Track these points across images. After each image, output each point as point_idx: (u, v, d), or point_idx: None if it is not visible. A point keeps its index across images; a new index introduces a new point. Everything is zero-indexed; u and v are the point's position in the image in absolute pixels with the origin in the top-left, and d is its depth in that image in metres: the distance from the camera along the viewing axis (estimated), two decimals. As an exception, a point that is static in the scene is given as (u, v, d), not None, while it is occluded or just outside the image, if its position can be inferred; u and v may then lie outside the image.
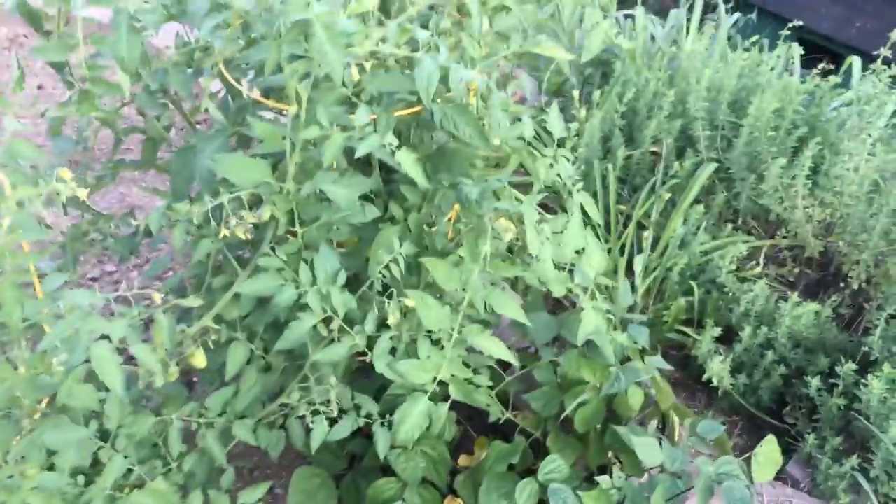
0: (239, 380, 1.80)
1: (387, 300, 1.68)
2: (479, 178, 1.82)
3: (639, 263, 2.73)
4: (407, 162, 1.56)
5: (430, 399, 1.78)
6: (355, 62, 1.57)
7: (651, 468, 1.90)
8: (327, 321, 1.67)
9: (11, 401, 1.22)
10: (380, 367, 1.70)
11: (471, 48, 1.77)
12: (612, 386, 1.95)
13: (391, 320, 1.67)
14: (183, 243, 1.66)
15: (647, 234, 2.83)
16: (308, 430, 1.79)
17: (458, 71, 1.57)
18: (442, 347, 1.74)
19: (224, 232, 1.63)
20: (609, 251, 2.98)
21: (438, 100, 1.69)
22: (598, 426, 2.05)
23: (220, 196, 1.57)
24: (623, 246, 2.91)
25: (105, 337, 1.26)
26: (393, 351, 1.76)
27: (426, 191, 1.82)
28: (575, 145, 3.19)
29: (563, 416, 2.05)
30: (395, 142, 1.57)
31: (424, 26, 1.67)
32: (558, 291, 1.88)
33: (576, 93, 3.24)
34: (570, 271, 1.93)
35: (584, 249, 1.99)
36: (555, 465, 1.88)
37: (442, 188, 1.80)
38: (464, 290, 1.73)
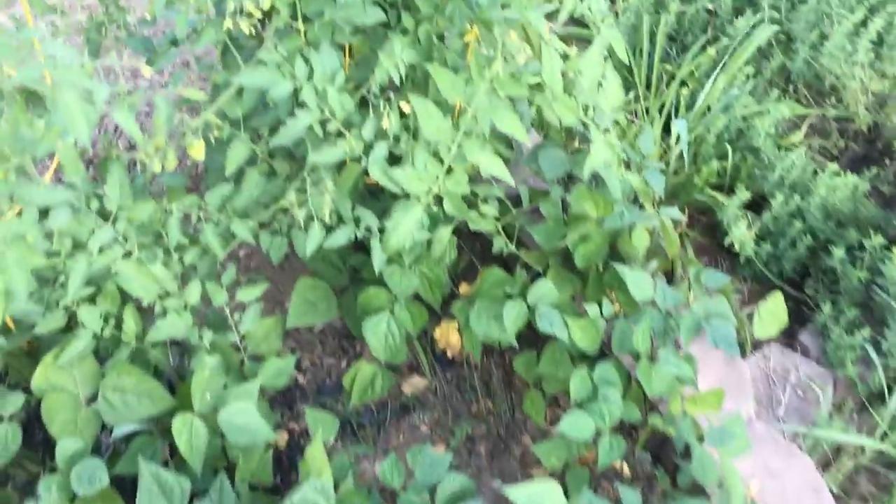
0: (241, 179, 1.82)
1: (386, 104, 1.66)
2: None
3: (682, 130, 2.64)
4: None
5: (431, 219, 1.78)
6: None
7: (644, 305, 1.89)
8: (325, 123, 1.66)
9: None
10: (374, 172, 1.70)
11: None
12: (614, 220, 1.92)
13: (385, 123, 1.65)
14: (187, 30, 1.65)
15: (686, 92, 2.73)
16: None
17: None
18: (442, 161, 1.73)
19: (227, 23, 1.62)
20: (647, 110, 2.90)
21: None
22: (600, 265, 2.04)
23: (221, -18, 1.55)
24: (663, 105, 2.82)
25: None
26: (393, 161, 1.75)
27: (439, 2, 1.77)
28: (626, -5, 3.06)
29: (566, 254, 2.05)
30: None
31: None
32: (568, 119, 1.83)
33: (635, -61, 3.09)
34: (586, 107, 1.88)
35: (600, 84, 1.93)
36: (545, 290, 1.88)
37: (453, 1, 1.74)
38: (468, 105, 1.70)
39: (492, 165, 1.72)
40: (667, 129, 2.73)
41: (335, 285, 2.09)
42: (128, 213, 1.68)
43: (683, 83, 2.87)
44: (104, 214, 1.67)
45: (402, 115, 1.70)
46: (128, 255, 1.70)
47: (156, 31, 2.11)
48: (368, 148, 1.71)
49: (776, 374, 2.42)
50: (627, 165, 2.12)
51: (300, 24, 1.66)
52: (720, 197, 2.68)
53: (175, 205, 1.75)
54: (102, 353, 1.74)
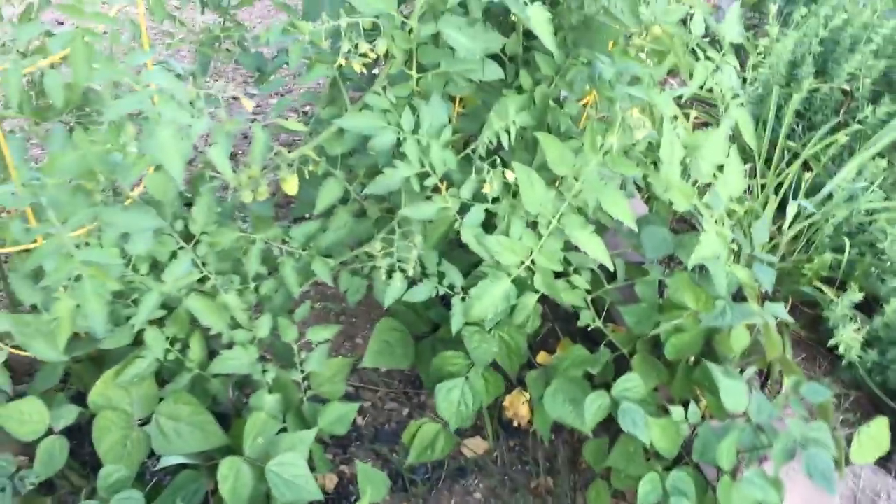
0: (329, 217, 1.76)
1: (489, 167, 1.57)
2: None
3: (793, 208, 2.47)
4: (538, 19, 1.41)
5: (518, 286, 1.68)
6: None
7: (735, 415, 1.74)
8: (423, 176, 1.58)
9: (87, 174, 1.21)
10: (466, 236, 1.61)
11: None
12: (715, 318, 1.78)
13: (486, 188, 1.56)
14: (299, 62, 1.60)
15: (809, 176, 2.56)
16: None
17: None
18: (540, 236, 1.63)
19: (340, 61, 1.55)
20: (763, 186, 2.73)
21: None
22: (691, 359, 1.90)
23: (339, 18, 1.49)
24: (780, 184, 2.66)
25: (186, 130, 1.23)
26: (488, 226, 1.66)
27: (561, 64, 1.68)
28: (757, 64, 2.90)
29: (656, 340, 1.91)
30: (533, -6, 1.42)
31: None
32: (682, 205, 1.71)
33: (774, 7, 2.93)
34: (702, 188, 1.76)
35: (721, 168, 1.80)
36: (632, 384, 1.76)
37: (578, 64, 1.64)
38: (576, 178, 1.59)
39: (592, 246, 1.61)
40: (781, 209, 2.57)
41: (415, 333, 2.01)
42: (210, 239, 1.64)
43: (806, 164, 2.70)
44: (187, 236, 1.63)
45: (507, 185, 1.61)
46: (204, 279, 1.66)
47: (270, 51, 2.07)
48: (465, 208, 1.62)
49: (865, 495, 2.23)
50: (736, 255, 1.98)
51: (413, 72, 1.58)
52: (830, 293, 2.50)
53: (259, 235, 1.70)
54: (165, 374, 1.70)
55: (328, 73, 1.61)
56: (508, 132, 1.57)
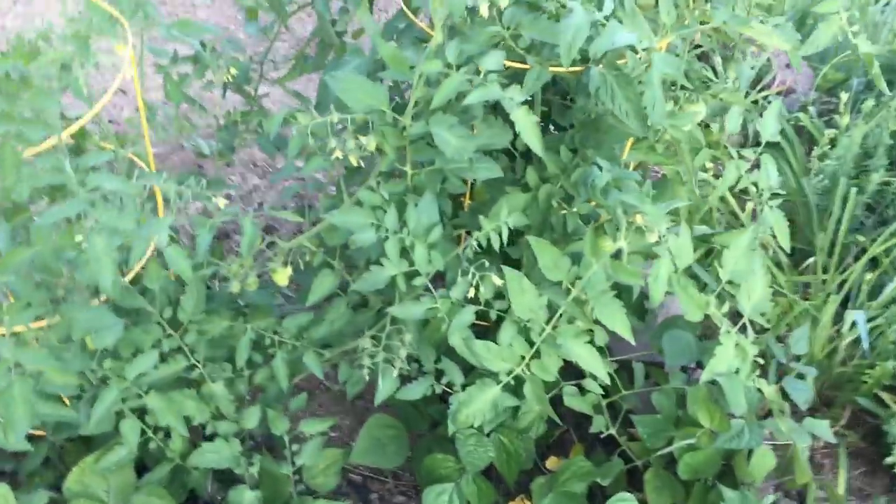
0: (324, 307, 1.72)
1: (475, 271, 1.50)
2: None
3: (850, 316, 2.28)
4: (524, 123, 1.34)
5: (506, 390, 1.59)
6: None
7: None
8: (412, 275, 1.52)
9: (45, 269, 1.21)
10: (454, 340, 1.53)
11: (665, 12, 1.50)
12: (730, 440, 1.64)
13: (472, 292, 1.49)
14: (298, 153, 1.58)
15: (872, 277, 2.37)
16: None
17: (613, 32, 1.31)
18: (531, 343, 1.54)
19: (337, 153, 1.52)
20: (824, 281, 2.55)
21: (601, 64, 1.44)
22: (710, 478, 1.75)
23: (331, 114, 1.46)
24: (844, 282, 2.47)
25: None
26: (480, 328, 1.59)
27: (567, 163, 1.60)
28: (823, 154, 2.73)
29: (673, 455, 1.78)
30: (518, 97, 1.35)
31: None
32: (693, 314, 1.58)
33: (845, 95, 2.77)
34: (720, 295, 1.63)
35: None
36: (625, 507, 1.63)
37: (583, 165, 1.56)
38: (571, 285, 1.50)
39: (587, 359, 1.50)
40: (843, 305, 2.39)
41: (413, 430, 1.93)
42: (199, 327, 1.62)
43: (873, 262, 2.51)
44: (176, 324, 1.61)
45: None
46: (192, 367, 1.64)
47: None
48: (456, 309, 1.55)
49: None
50: (764, 367, 1.83)
51: (408, 168, 1.53)
52: (893, 404, 2.29)
53: (250, 325, 1.67)
54: (148, 459, 1.68)
55: (325, 165, 1.58)
56: (500, 234, 1.49)
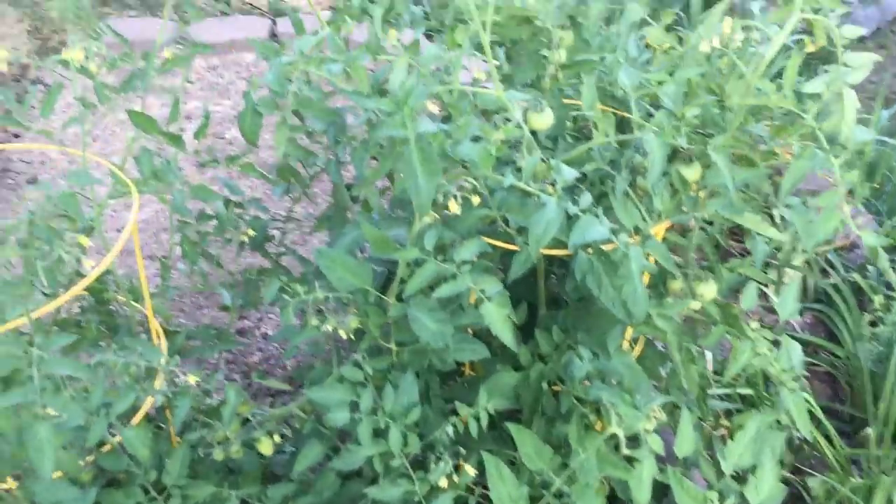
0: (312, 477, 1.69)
1: (446, 456, 1.45)
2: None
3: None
4: (493, 318, 1.31)
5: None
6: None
7: None
8: (388, 455, 1.48)
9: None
10: (431, 527, 1.47)
11: (658, 199, 1.47)
12: None
13: (443, 483, 1.43)
14: (292, 321, 1.59)
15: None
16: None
17: (588, 225, 1.29)
18: (513, 532, 1.46)
19: (327, 326, 1.53)
20: (879, 460, 2.37)
21: (589, 249, 1.42)
22: None
23: (313, 292, 1.47)
24: (898, 462, 2.29)
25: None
26: None
27: (560, 343, 1.55)
28: (876, 319, 2.59)
29: None
30: (490, 289, 1.33)
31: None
32: (689, 512, 1.48)
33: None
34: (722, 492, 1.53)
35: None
36: None
37: (574, 347, 1.51)
38: (554, 474, 1.43)
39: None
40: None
41: None
42: (183, 492, 1.61)
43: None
44: (160, 487, 1.61)
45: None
46: (175, 532, 1.62)
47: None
48: (434, 494, 1.49)
49: None
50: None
51: (392, 345, 1.52)
52: None
53: (235, 492, 1.65)
54: None
55: (316, 334, 1.58)
56: (480, 421, 1.45)
